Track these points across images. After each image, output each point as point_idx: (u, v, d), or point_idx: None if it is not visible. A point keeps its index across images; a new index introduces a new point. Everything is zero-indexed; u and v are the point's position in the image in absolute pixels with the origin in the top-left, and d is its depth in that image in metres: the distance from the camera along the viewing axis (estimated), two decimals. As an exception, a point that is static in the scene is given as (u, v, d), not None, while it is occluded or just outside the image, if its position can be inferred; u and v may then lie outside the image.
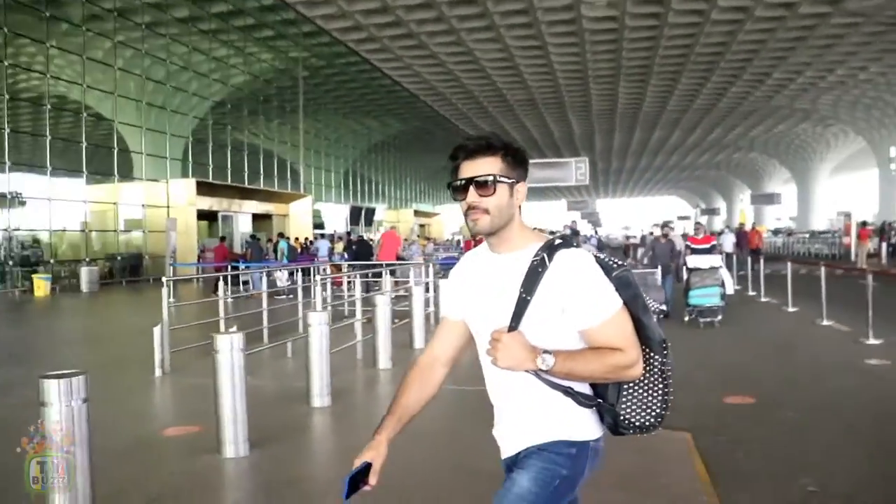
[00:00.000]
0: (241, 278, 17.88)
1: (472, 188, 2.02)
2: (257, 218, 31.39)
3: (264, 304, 10.66)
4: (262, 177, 33.61)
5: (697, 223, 15.39)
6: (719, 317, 12.42)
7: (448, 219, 54.59)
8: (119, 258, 26.85)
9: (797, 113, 51.16)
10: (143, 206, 27.48)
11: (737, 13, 29.57)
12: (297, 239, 26.05)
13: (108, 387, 7.54)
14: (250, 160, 33.83)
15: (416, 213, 48.80)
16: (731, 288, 12.97)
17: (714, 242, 14.31)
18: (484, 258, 2.16)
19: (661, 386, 2.09)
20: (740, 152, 71.28)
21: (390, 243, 17.10)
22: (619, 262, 2.09)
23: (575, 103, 47.88)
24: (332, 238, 27.90)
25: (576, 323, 2.00)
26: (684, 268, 13.32)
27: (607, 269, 2.05)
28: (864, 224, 33.22)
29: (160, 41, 29.12)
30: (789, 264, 15.62)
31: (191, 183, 27.12)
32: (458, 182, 2.05)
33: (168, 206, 26.86)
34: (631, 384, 2.08)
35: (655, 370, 2.08)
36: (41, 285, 21.44)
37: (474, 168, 2.03)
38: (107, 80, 26.66)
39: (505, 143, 2.07)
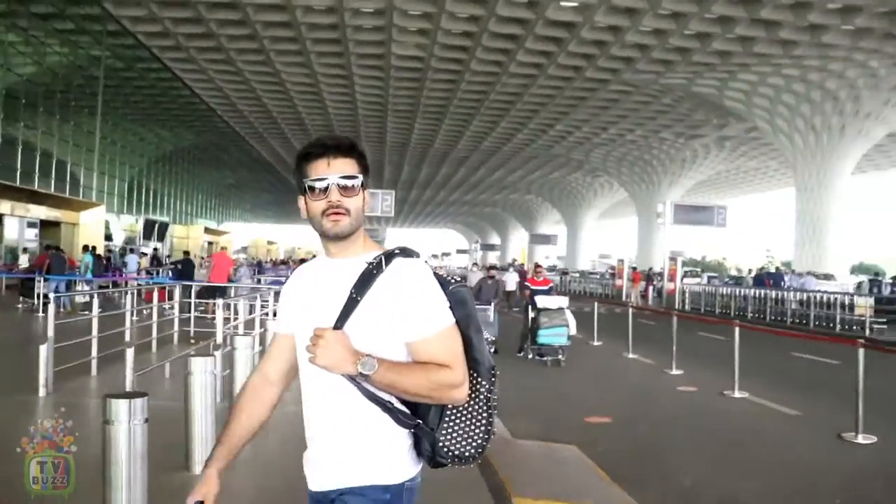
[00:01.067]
0: (42, 292, 16.76)
1: (334, 188, 1.92)
2: (45, 225, 29.17)
3: (127, 323, 10.33)
4: (53, 180, 31.01)
5: (538, 265, 15.95)
6: (565, 355, 12.90)
7: (235, 237, 53.51)
8: None
9: (572, 162, 55.88)
10: None
11: (532, 69, 32.20)
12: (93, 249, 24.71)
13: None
14: (42, 161, 30.98)
15: (207, 230, 47.16)
16: (574, 328, 13.30)
17: (551, 285, 15.01)
18: (318, 267, 2.07)
19: (485, 415, 1.97)
20: (518, 193, 76.22)
21: (222, 264, 16.86)
22: (457, 279, 2.01)
23: (371, 134, 49.08)
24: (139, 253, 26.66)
25: (404, 333, 1.90)
26: (529, 307, 13.49)
27: (444, 284, 1.97)
28: (634, 269, 37.16)
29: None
30: (596, 304, 16.94)
31: None
32: (318, 180, 1.93)
33: None
34: (454, 410, 1.96)
35: (481, 397, 1.97)
36: None
37: (338, 167, 1.93)
38: None
39: (359, 147, 2.00)
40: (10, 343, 12.76)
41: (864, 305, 20.88)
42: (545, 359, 12.89)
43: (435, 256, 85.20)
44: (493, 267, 16.61)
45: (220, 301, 9.14)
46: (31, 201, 28.16)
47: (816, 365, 13.65)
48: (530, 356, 13.18)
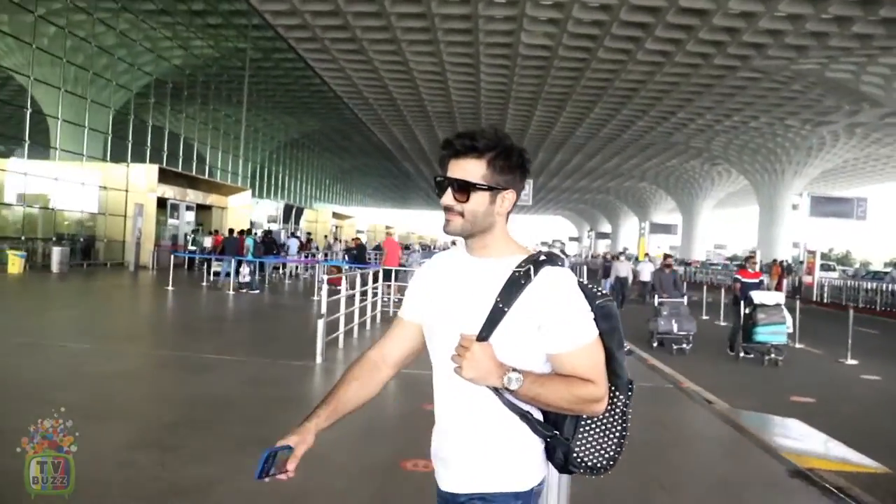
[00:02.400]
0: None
1: (450, 189, 1.91)
2: (200, 209, 31.20)
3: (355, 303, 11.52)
4: (207, 166, 33.33)
5: (751, 256, 15.03)
6: (783, 354, 12.28)
7: (360, 221, 55.48)
8: (81, 240, 25.98)
9: (691, 150, 55.14)
10: (102, 188, 26.78)
11: (659, 56, 32.22)
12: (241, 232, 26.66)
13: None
14: (191, 148, 33.25)
15: (334, 214, 49.15)
16: (790, 325, 12.59)
17: (762, 277, 14.30)
18: (458, 259, 2.03)
19: (619, 428, 1.98)
20: (632, 181, 75.61)
21: (393, 249, 18.26)
22: (604, 292, 1.99)
23: (490, 120, 49.84)
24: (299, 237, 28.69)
25: (548, 345, 1.88)
26: (742, 303, 12.81)
27: (590, 297, 1.94)
28: (774, 261, 36.55)
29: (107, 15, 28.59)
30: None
31: (152, 169, 26.72)
32: (438, 179, 1.94)
33: (127, 191, 26.21)
34: (590, 421, 1.96)
35: (618, 411, 1.98)
36: (16, 262, 20.44)
37: (456, 169, 1.91)
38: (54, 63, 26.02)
39: (495, 146, 1.92)
40: (244, 317, 14.83)
41: None
42: (765, 357, 12.15)
43: (545, 244, 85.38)
44: (669, 255, 16.45)
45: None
46: (189, 186, 30.25)
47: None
48: (742, 354, 12.60)
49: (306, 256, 27.36)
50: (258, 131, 45.37)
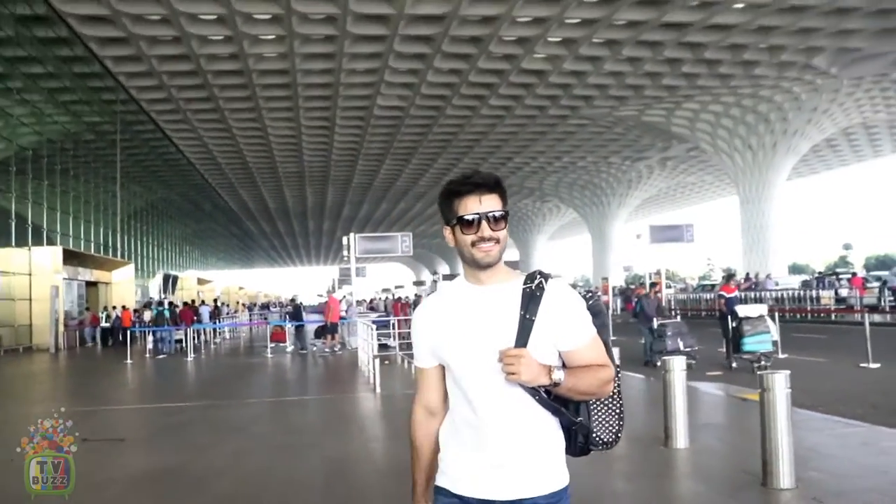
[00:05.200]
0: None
1: (484, 222, 2.07)
2: (89, 285, 31.18)
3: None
4: (92, 242, 33.04)
5: (731, 275, 16.30)
6: (770, 361, 12.80)
7: (218, 284, 55.43)
8: None
9: (524, 190, 59.84)
10: (3, 272, 26.07)
11: (501, 110, 35.95)
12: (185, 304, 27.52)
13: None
14: (73, 224, 32.82)
15: (199, 280, 49.00)
16: (776, 334, 13.31)
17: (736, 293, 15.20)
18: (462, 294, 2.18)
19: (618, 405, 2.21)
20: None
21: (335, 305, 20.04)
22: (591, 294, 2.26)
23: (339, 177, 52.07)
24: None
25: (562, 342, 2.09)
26: (729, 317, 13.66)
27: (584, 299, 2.19)
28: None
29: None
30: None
31: (57, 251, 26.55)
32: (471, 215, 2.08)
33: (30, 275, 26.00)
34: (597, 404, 2.19)
35: (615, 391, 2.21)
36: None
37: (487, 203, 2.08)
38: None
39: (501, 182, 2.15)
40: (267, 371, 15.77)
41: None
42: (754, 365, 12.71)
43: (386, 290, 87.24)
44: (654, 284, 18.52)
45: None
46: (80, 264, 29.98)
47: None
48: (735, 365, 13.33)
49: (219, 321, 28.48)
50: (125, 201, 44.79)
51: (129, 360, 19.08)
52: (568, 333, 2.08)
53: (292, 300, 24.81)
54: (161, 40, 26.61)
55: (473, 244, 2.07)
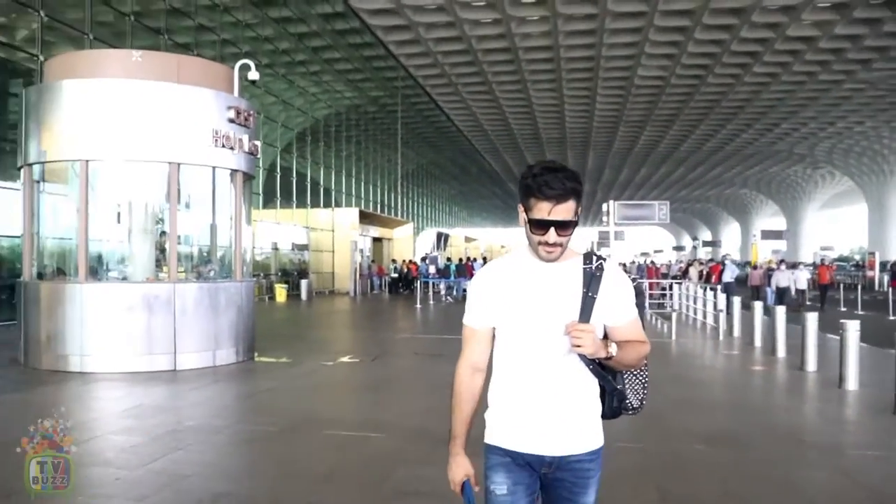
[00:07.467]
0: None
1: (552, 228, 2.16)
2: (375, 241, 35.63)
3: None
4: (376, 203, 38.21)
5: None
6: None
7: (482, 243, 58.95)
8: (295, 273, 29.66)
9: (794, 157, 57.09)
10: (311, 229, 31.17)
11: (766, 77, 35.11)
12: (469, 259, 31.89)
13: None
14: (359, 187, 38.60)
15: (466, 238, 52.65)
16: None
17: None
18: (525, 267, 2.29)
19: (644, 375, 2.38)
20: (732, 188, 77.37)
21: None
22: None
23: (599, 143, 53.27)
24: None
25: (612, 318, 2.28)
26: None
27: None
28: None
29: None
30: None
31: (354, 212, 31.94)
32: (540, 221, 2.16)
33: (333, 231, 31.16)
34: (627, 374, 2.37)
35: (643, 362, 2.39)
36: (282, 293, 25.36)
37: (559, 212, 2.15)
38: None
39: (580, 188, 2.19)
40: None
41: None
42: None
43: (645, 254, 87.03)
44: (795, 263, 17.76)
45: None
46: (369, 223, 34.46)
47: None
48: None
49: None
50: (402, 166, 49.79)
51: (418, 305, 22.74)
52: (619, 311, 2.27)
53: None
54: (437, 25, 30.05)
55: (540, 243, 2.19)
